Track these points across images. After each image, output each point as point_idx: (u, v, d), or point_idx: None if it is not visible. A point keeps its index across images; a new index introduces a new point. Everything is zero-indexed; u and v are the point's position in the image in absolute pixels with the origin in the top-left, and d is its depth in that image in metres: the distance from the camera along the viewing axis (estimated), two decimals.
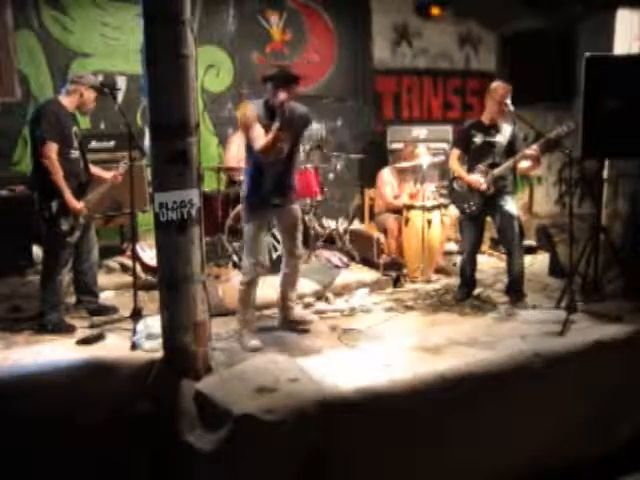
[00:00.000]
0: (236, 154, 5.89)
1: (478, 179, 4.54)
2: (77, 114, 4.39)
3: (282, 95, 3.71)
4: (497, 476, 3.45)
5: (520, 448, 3.52)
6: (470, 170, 4.66)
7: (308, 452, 3.07)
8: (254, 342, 3.94)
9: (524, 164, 4.53)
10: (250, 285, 4.05)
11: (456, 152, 4.73)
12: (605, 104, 4.50)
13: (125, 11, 6.04)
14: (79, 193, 4.21)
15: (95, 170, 4.50)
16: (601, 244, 4.78)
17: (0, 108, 5.78)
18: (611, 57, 5.00)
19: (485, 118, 4.64)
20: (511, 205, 4.60)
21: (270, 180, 3.97)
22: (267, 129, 3.78)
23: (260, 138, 3.79)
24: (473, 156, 4.66)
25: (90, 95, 4.27)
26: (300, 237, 4.24)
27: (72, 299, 4.58)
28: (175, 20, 3.20)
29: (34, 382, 3.34)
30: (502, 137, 4.59)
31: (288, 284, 4.30)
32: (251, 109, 3.87)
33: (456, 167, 4.71)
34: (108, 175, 4.44)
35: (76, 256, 4.34)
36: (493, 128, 4.60)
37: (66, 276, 4.30)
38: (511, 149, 4.57)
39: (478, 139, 4.60)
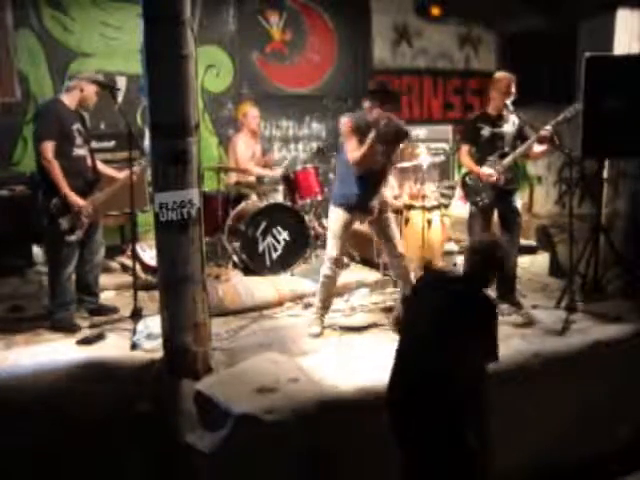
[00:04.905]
0: (244, 155, 5.88)
1: (489, 172, 4.49)
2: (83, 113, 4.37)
3: (376, 111, 4.02)
4: (497, 475, 3.45)
5: (519, 448, 3.52)
6: (480, 162, 4.56)
7: (308, 452, 3.07)
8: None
9: (538, 148, 4.48)
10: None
11: (465, 147, 4.63)
12: (605, 104, 4.50)
13: (125, 11, 6.02)
14: (85, 191, 4.18)
15: (107, 169, 4.49)
16: (601, 244, 4.78)
17: (0, 108, 5.77)
18: (611, 57, 4.99)
19: (491, 109, 4.56)
20: (518, 202, 4.60)
21: (365, 188, 4.14)
22: (362, 141, 4.01)
23: (355, 151, 4.02)
24: (482, 148, 4.57)
25: (91, 89, 4.24)
26: (397, 237, 4.39)
27: None
28: (175, 20, 3.20)
29: (34, 382, 3.35)
30: (509, 126, 4.52)
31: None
32: (345, 122, 4.09)
33: (467, 162, 4.62)
34: (121, 175, 4.40)
35: (78, 256, 4.32)
36: (500, 119, 4.53)
37: (72, 275, 4.28)
38: (520, 136, 4.51)
39: (486, 131, 4.51)
